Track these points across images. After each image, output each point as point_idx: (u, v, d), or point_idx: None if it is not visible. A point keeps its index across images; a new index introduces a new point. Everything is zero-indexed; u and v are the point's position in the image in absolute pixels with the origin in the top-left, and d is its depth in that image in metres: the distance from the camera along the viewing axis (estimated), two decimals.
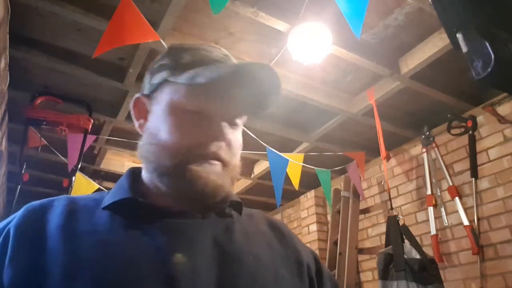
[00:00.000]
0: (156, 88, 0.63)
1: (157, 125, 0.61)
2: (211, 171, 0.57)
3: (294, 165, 2.70)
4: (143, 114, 0.65)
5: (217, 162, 0.58)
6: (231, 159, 0.61)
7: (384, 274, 2.07)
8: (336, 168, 3.06)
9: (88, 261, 0.50)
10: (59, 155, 2.56)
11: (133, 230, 0.55)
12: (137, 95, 0.67)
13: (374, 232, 3.24)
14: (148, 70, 0.67)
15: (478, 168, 2.52)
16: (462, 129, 2.65)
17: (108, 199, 0.59)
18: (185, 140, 0.58)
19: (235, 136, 0.63)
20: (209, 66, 0.59)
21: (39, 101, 2.15)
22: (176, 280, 0.50)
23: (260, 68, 0.59)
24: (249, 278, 0.55)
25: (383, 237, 2.49)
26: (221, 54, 0.64)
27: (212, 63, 0.60)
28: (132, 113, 0.67)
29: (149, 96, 0.65)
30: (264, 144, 2.54)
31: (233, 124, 0.62)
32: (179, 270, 0.51)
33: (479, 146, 2.55)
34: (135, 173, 0.65)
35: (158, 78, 0.63)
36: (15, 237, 0.53)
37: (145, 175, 0.63)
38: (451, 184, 2.64)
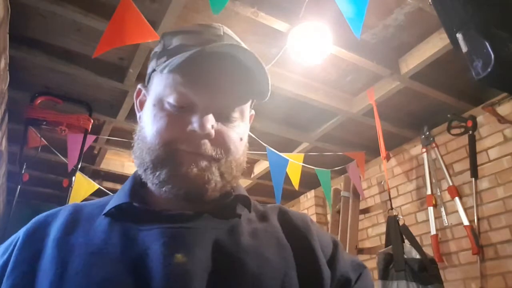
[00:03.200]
0: (149, 78, 0.61)
1: (145, 118, 0.59)
2: (194, 167, 0.53)
3: (294, 165, 2.70)
4: (141, 106, 0.63)
5: (202, 158, 0.54)
6: (224, 155, 0.55)
7: (384, 274, 2.07)
8: (336, 168, 3.06)
9: (75, 274, 0.48)
10: (59, 155, 2.56)
11: (128, 238, 0.52)
12: (138, 86, 0.65)
13: (374, 232, 3.24)
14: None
15: (478, 168, 2.52)
16: (462, 129, 2.65)
17: (110, 204, 0.57)
18: (164, 135, 0.54)
19: (229, 130, 0.57)
20: (186, 50, 0.53)
21: (39, 101, 2.15)
22: (168, 286, 0.47)
23: (231, 48, 0.53)
24: (252, 283, 0.50)
25: (383, 237, 2.49)
26: (213, 35, 0.58)
27: (192, 47, 0.53)
28: (135, 104, 0.65)
29: (146, 86, 0.63)
30: (264, 144, 2.54)
31: (224, 117, 0.56)
32: (173, 276, 0.48)
33: (479, 146, 2.55)
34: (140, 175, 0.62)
35: (150, 67, 0.61)
36: (18, 249, 0.53)
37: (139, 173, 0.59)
38: (451, 184, 2.64)
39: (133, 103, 0.67)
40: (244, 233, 0.56)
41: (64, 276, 0.48)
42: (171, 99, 0.55)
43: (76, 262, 0.49)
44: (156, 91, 0.57)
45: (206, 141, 0.54)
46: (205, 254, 0.51)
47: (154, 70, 0.59)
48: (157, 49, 0.60)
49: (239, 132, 0.58)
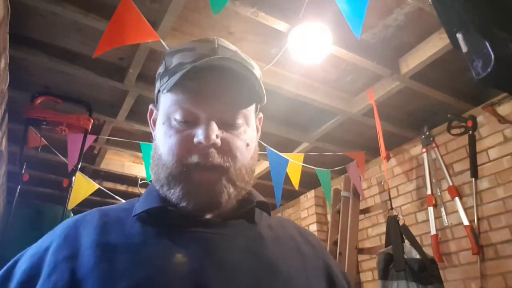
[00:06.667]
0: (157, 98, 0.65)
1: (158, 136, 0.62)
2: (205, 181, 0.56)
3: (294, 165, 2.70)
4: (154, 124, 0.66)
5: (212, 169, 0.56)
6: (232, 162, 0.58)
7: (384, 274, 2.07)
8: (336, 168, 3.06)
9: (124, 271, 0.50)
10: (59, 155, 2.56)
11: (165, 240, 0.54)
12: (150, 106, 0.68)
13: (374, 232, 3.24)
14: None
15: (478, 168, 2.52)
16: (462, 129, 2.65)
17: (139, 207, 0.59)
18: (176, 151, 0.57)
19: (234, 137, 0.59)
20: (183, 68, 0.57)
21: (39, 101, 2.15)
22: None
23: (220, 61, 0.57)
24: (283, 285, 0.54)
25: (383, 237, 2.49)
26: (208, 49, 0.60)
27: (188, 65, 0.58)
28: (149, 124, 0.68)
29: (156, 105, 0.66)
30: (264, 144, 2.54)
31: (229, 125, 0.59)
32: (212, 279, 0.51)
33: (479, 146, 2.55)
34: None
35: (156, 88, 0.64)
36: (55, 252, 0.54)
37: None
38: (451, 184, 2.64)
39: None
40: (269, 239, 0.60)
41: (113, 273, 0.50)
42: (177, 116, 0.58)
43: (122, 259, 0.51)
44: (164, 110, 0.60)
45: (213, 150, 0.56)
46: (238, 258, 0.55)
47: (159, 91, 0.62)
48: (160, 69, 0.64)
49: (245, 139, 0.61)
